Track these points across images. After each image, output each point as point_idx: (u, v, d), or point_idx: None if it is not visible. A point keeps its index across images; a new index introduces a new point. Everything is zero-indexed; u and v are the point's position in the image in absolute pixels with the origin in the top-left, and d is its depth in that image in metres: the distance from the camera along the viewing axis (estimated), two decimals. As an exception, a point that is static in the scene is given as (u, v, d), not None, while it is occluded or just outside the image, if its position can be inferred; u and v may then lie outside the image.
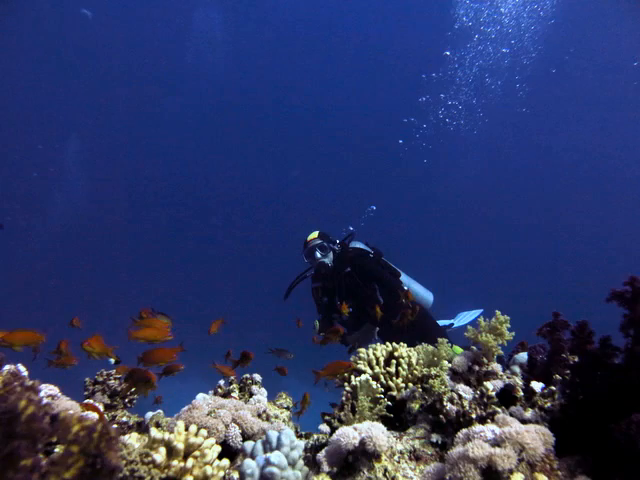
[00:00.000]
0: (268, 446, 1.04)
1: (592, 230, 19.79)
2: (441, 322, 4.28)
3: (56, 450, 0.93)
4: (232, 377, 1.80)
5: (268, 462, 0.98)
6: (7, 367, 1.00)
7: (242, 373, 1.96)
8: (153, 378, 1.57)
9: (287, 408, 1.67)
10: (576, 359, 1.13)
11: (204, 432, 1.02)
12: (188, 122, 21.44)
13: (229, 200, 23.11)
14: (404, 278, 4.05)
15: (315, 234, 3.92)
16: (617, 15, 15.16)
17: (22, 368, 1.09)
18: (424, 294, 4.21)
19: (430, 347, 1.64)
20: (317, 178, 22.90)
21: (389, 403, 1.50)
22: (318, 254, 3.83)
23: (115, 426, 1.64)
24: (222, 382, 1.79)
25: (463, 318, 4.43)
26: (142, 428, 1.80)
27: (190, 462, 0.95)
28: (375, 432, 1.02)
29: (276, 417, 1.55)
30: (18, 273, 16.81)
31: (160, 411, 1.82)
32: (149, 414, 1.81)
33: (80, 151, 18.40)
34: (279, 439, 1.03)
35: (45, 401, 0.50)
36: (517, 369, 1.89)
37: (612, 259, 17.36)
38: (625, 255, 16.90)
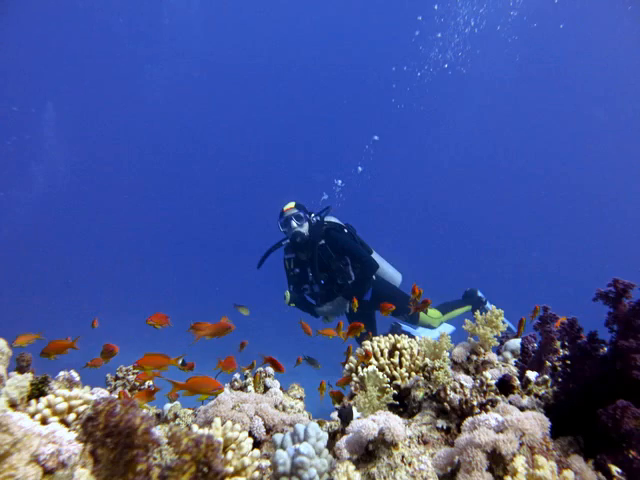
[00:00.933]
0: (296, 438, 1.15)
1: (585, 234, 20.10)
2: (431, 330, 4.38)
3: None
4: (247, 371, 1.91)
5: (298, 452, 1.10)
6: (62, 373, 1.08)
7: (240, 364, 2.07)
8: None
9: (300, 398, 1.80)
10: (567, 352, 1.27)
11: (238, 426, 1.13)
12: (167, 88, 21.09)
13: (211, 165, 23.05)
14: (376, 256, 4.18)
15: (292, 204, 3.99)
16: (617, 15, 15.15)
17: (74, 374, 1.18)
18: (393, 274, 4.35)
19: (431, 339, 1.77)
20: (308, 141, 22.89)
21: (395, 392, 1.63)
22: (294, 223, 3.90)
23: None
24: (237, 376, 1.90)
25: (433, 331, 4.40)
26: (161, 419, 1.91)
27: (230, 454, 1.06)
28: (392, 423, 1.14)
29: (291, 407, 1.68)
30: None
31: (178, 403, 1.93)
32: (167, 405, 1.92)
33: (57, 121, 17.82)
34: (306, 431, 1.15)
35: (149, 415, 0.60)
36: (509, 355, 2.05)
37: (600, 260, 17.62)
38: (612, 257, 17.28)
